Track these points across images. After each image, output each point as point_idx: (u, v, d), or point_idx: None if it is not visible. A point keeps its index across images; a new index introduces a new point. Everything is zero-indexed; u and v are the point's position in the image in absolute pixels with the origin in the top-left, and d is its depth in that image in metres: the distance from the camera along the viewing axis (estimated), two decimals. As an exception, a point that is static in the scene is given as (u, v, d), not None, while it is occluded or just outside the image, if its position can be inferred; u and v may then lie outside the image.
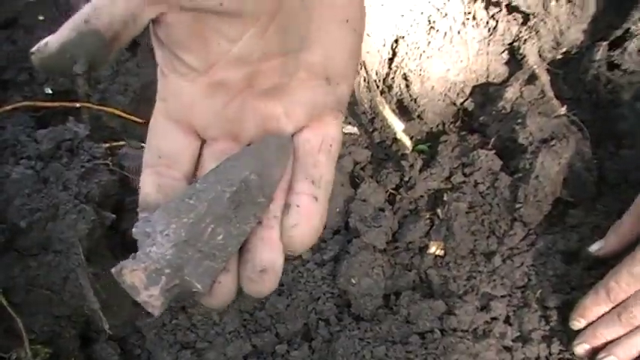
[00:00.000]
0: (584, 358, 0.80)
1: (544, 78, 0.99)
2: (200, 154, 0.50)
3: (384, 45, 1.00)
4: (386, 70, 1.02)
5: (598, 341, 0.79)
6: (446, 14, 0.98)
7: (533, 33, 0.99)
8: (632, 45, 0.96)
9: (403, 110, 1.04)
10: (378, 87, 1.02)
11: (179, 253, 0.45)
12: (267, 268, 0.47)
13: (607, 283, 0.79)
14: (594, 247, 0.84)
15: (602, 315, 0.80)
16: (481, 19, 0.99)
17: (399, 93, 1.03)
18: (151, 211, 0.47)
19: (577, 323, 0.81)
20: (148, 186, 0.49)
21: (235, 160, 0.48)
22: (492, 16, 0.99)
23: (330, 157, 0.50)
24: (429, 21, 0.99)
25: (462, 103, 1.04)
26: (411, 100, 1.02)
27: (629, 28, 0.97)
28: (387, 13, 0.98)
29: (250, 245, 0.48)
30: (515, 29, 1.00)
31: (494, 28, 1.00)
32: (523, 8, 0.98)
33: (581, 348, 0.80)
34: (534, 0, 0.97)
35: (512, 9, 0.99)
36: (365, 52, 1.00)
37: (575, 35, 1.00)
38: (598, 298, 0.79)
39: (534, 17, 0.99)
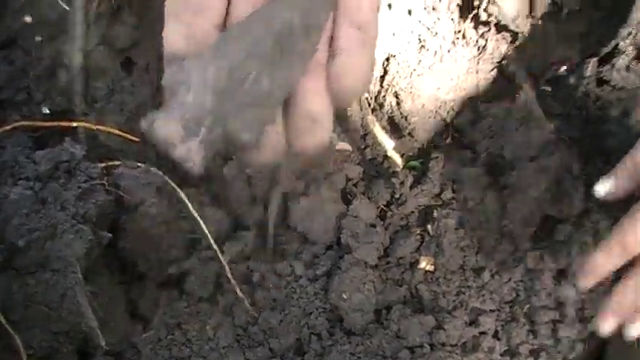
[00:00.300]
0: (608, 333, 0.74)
1: (532, 95, 1.00)
2: (229, 2, 0.45)
3: (376, 64, 1.02)
4: (377, 88, 1.04)
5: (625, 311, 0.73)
6: (436, 33, 1.00)
7: (522, 51, 1.01)
8: (620, 61, 0.97)
9: (394, 127, 1.06)
10: (369, 105, 1.04)
11: (220, 100, 0.40)
12: (317, 118, 0.44)
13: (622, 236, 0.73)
14: (600, 190, 0.81)
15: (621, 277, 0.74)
16: (471, 38, 1.01)
17: (390, 111, 1.05)
18: (180, 61, 0.41)
19: (585, 280, 0.76)
20: (174, 36, 0.43)
21: (275, 2, 0.43)
22: (482, 35, 1.01)
23: (374, 3, 0.46)
24: (420, 40, 1.00)
25: (452, 121, 1.05)
26: (402, 117, 1.04)
27: (617, 45, 0.98)
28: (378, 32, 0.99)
29: (297, 96, 0.44)
30: (504, 48, 1.02)
31: (484, 46, 1.01)
32: (512, 27, 0.99)
33: (605, 323, 0.74)
34: (523, 19, 0.99)
35: (500, 28, 1.00)
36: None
37: (564, 53, 1.02)
38: (611, 252, 0.74)
39: (523, 36, 1.00)
